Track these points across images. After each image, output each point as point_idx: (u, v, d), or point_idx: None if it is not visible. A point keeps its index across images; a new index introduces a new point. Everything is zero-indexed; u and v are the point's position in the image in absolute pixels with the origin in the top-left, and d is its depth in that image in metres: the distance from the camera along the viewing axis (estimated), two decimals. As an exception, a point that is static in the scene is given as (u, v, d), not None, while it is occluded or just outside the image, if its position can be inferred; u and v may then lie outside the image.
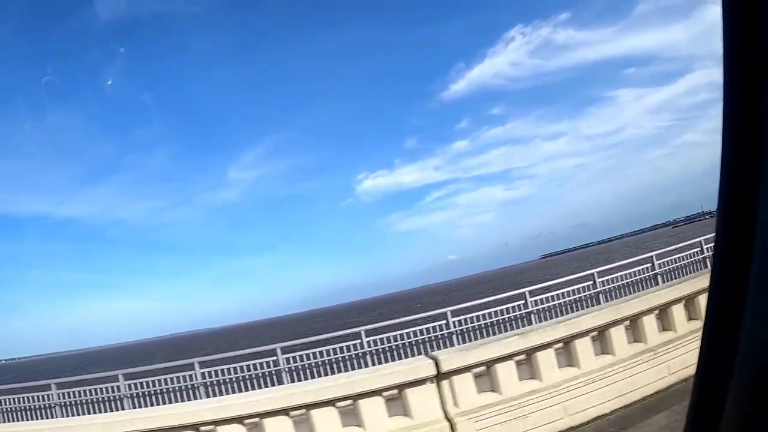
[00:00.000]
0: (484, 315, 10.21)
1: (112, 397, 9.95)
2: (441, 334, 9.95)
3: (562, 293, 10.90)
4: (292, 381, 9.26)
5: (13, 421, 10.36)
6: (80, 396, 10.13)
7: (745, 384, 0.74)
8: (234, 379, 9.62)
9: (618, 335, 5.42)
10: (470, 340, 9.37)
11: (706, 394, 0.83)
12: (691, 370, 0.86)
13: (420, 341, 9.88)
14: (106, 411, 9.67)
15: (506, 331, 9.19)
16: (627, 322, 5.57)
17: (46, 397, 10.34)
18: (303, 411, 4.58)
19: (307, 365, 9.60)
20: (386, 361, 9.29)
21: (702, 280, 6.11)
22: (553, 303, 10.69)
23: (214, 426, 4.50)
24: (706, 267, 12.09)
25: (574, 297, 10.88)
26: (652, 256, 12.23)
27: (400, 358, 9.16)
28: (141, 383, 9.91)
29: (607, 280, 11.41)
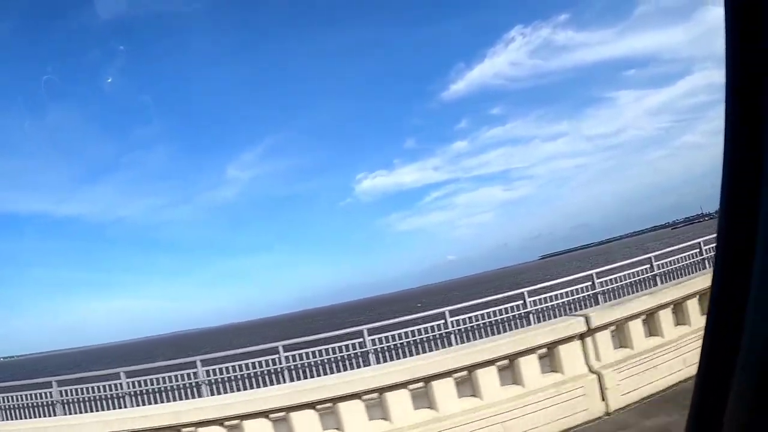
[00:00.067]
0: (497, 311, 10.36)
1: (114, 395, 9.96)
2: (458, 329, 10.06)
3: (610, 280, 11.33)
4: (293, 380, 9.26)
5: (15, 419, 10.35)
6: (81, 393, 10.15)
7: (747, 381, 0.74)
8: (255, 374, 9.63)
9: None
10: (499, 333, 9.52)
11: (708, 391, 0.83)
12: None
13: (418, 340, 9.90)
14: (107, 409, 9.68)
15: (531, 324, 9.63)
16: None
17: (47, 394, 10.33)
18: (421, 385, 4.92)
19: (312, 362, 9.63)
20: (398, 357, 9.35)
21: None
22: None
23: (241, 420, 4.64)
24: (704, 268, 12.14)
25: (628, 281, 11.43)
26: (650, 257, 12.26)
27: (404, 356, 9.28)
28: (143, 380, 9.93)
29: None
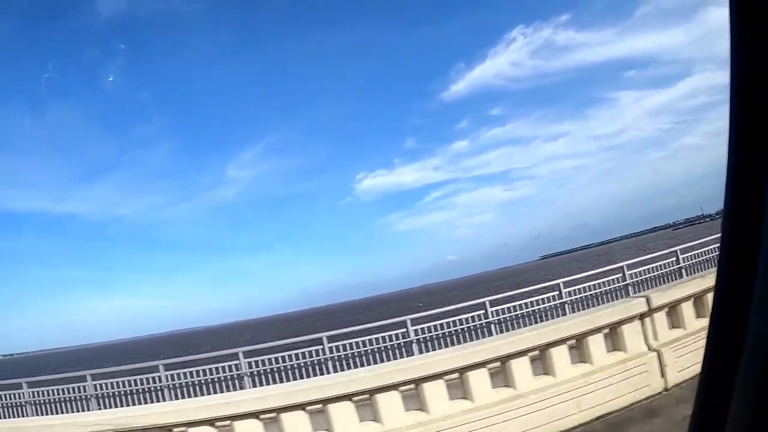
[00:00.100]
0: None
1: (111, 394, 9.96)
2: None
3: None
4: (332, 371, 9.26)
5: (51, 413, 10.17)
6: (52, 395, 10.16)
7: (751, 381, 0.74)
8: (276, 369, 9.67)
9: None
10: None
11: (712, 391, 0.83)
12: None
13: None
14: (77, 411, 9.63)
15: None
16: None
17: (81, 388, 10.27)
18: (499, 364, 5.22)
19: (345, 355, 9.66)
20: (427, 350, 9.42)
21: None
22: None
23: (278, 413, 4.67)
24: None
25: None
26: (676, 250, 12.72)
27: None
28: (181, 373, 9.93)
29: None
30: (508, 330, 9.70)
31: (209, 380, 9.67)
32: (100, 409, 9.67)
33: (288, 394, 4.74)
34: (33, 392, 10.58)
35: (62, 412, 9.95)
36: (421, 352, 9.40)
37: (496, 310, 10.26)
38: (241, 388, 9.30)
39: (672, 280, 11.23)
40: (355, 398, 4.80)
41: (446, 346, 9.35)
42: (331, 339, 9.75)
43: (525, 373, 5.17)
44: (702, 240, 13.34)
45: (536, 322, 9.65)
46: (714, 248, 12.90)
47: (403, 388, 4.87)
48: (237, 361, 9.66)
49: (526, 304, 10.49)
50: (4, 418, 10.11)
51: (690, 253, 12.78)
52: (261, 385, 9.28)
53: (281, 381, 9.22)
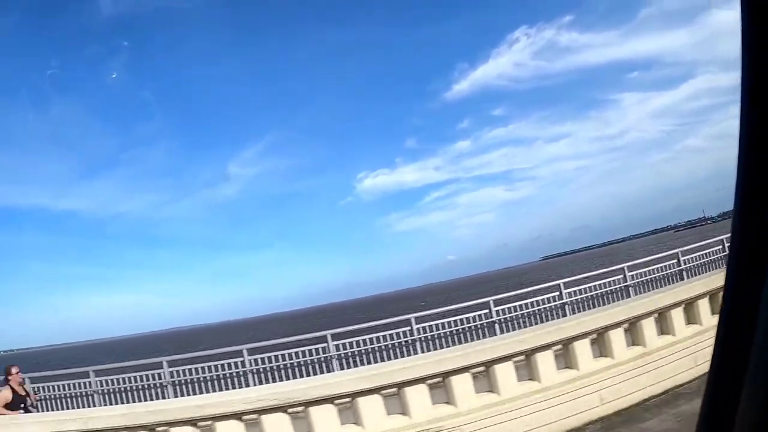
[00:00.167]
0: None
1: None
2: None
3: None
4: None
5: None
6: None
7: (760, 378, 0.74)
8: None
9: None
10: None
11: (720, 389, 0.83)
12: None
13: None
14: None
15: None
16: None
17: (85, 384, 10.27)
18: (523, 357, 5.41)
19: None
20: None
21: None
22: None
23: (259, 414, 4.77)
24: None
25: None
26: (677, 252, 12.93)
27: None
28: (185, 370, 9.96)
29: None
30: (509, 330, 9.72)
31: (215, 377, 9.71)
32: (105, 405, 9.66)
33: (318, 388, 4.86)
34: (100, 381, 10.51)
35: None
36: (423, 351, 9.40)
37: (500, 309, 10.27)
38: (246, 385, 9.33)
39: (672, 282, 11.39)
40: (384, 392, 4.94)
41: (451, 344, 9.37)
42: (335, 337, 9.77)
43: (550, 366, 5.34)
44: (701, 243, 13.57)
45: (540, 322, 9.69)
46: (714, 250, 13.15)
47: (430, 381, 4.98)
48: (241, 358, 9.70)
49: (531, 303, 10.54)
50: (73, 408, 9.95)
51: (690, 255, 12.98)
52: (267, 382, 9.31)
53: (287, 378, 9.23)
